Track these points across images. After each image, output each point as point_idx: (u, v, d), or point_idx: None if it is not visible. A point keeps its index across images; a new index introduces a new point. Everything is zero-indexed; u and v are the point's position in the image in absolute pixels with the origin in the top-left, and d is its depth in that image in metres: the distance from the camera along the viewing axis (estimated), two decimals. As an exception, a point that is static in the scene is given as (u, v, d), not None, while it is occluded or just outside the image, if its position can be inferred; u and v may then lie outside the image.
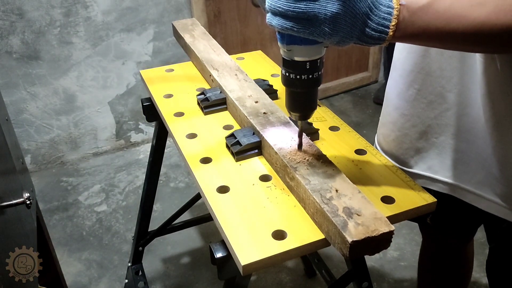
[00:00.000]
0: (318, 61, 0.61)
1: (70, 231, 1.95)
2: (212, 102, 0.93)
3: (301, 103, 0.66)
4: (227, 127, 0.90)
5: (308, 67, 0.61)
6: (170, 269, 1.75)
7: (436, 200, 0.70)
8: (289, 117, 0.78)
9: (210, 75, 1.02)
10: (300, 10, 0.51)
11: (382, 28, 0.53)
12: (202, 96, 0.95)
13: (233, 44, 2.40)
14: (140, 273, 1.51)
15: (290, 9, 0.51)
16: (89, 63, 2.20)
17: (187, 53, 1.17)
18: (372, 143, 0.86)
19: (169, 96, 1.02)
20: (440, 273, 1.18)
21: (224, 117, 0.93)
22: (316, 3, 0.50)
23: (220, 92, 0.95)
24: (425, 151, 0.82)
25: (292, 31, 0.53)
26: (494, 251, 0.98)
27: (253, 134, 0.80)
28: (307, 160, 0.71)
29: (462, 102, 0.73)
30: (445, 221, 1.00)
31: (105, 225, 1.97)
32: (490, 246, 0.99)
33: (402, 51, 0.78)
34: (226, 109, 0.95)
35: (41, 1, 1.98)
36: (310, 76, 0.62)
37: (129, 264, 1.54)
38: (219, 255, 0.66)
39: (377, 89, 2.93)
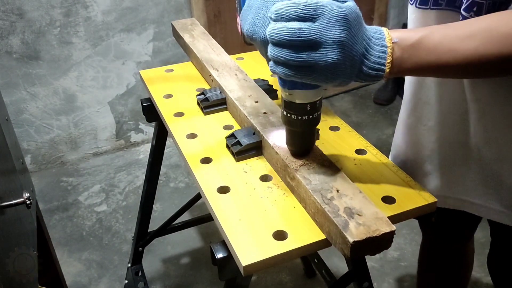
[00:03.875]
0: (317, 102, 0.65)
1: (70, 231, 1.95)
2: (212, 102, 0.93)
3: (301, 141, 0.70)
4: (227, 127, 0.90)
5: (308, 109, 0.64)
6: (170, 269, 1.75)
7: (436, 200, 0.70)
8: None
9: (210, 75, 1.01)
10: (302, 59, 0.52)
11: (379, 66, 0.55)
12: (202, 96, 0.95)
13: (233, 44, 2.40)
14: (140, 273, 1.51)
15: (293, 59, 0.52)
16: (89, 63, 2.20)
17: (187, 53, 1.17)
18: (372, 143, 0.86)
19: (169, 96, 1.02)
20: (441, 272, 1.18)
21: (224, 117, 0.93)
22: (317, 52, 0.52)
23: (220, 92, 0.95)
24: (431, 173, 0.84)
25: (295, 78, 0.55)
26: (496, 244, 0.99)
27: (254, 134, 0.80)
28: (308, 160, 0.70)
29: (464, 124, 0.75)
30: (446, 221, 1.01)
31: (105, 225, 1.97)
32: (492, 239, 0.99)
33: (405, 81, 0.83)
34: (226, 109, 0.95)
35: (41, 1, 1.98)
36: (310, 117, 0.65)
37: (129, 265, 1.54)
38: (219, 255, 0.65)
39: (377, 89, 2.93)
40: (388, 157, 0.80)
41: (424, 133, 0.82)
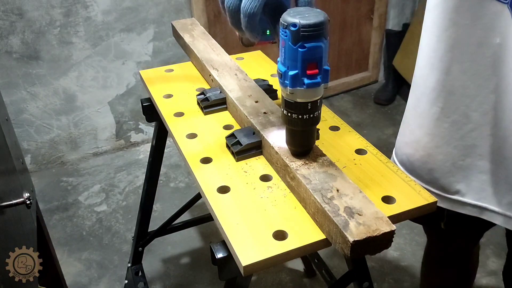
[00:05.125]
0: (318, 101, 0.65)
1: (70, 231, 1.95)
2: (212, 102, 0.93)
3: (301, 140, 0.70)
4: (227, 127, 0.89)
5: (309, 108, 0.64)
6: (170, 269, 1.75)
7: (436, 200, 0.70)
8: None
9: (210, 75, 1.01)
10: None
11: None
12: (202, 96, 0.95)
13: (233, 44, 2.40)
14: (140, 273, 1.51)
15: None
16: (89, 63, 2.20)
17: (187, 53, 1.17)
18: (372, 143, 0.85)
19: (169, 96, 1.02)
20: (446, 276, 1.16)
21: (224, 117, 0.93)
22: None
23: (220, 92, 0.95)
24: (452, 174, 0.80)
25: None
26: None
27: (253, 134, 0.80)
28: (308, 160, 0.71)
29: (488, 122, 0.72)
30: (457, 226, 0.97)
31: (105, 225, 1.97)
32: (509, 249, 0.96)
33: (424, 68, 0.76)
34: (226, 109, 0.95)
35: (41, 1, 1.98)
36: (311, 116, 0.65)
37: (129, 265, 1.54)
38: (220, 255, 0.65)
39: (377, 89, 2.93)
40: (388, 157, 0.80)
41: (447, 126, 0.77)
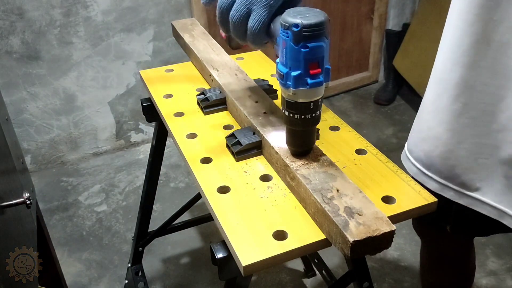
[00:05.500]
0: (320, 101, 0.65)
1: (70, 231, 1.95)
2: (212, 102, 0.93)
3: (301, 140, 0.70)
4: (227, 127, 0.89)
5: (311, 107, 0.64)
6: (170, 269, 1.75)
7: (436, 200, 0.70)
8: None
9: (210, 75, 1.01)
10: None
11: None
12: (202, 96, 0.95)
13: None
14: (140, 273, 1.51)
15: None
16: (89, 63, 2.20)
17: (187, 53, 1.17)
18: (372, 143, 0.85)
19: (169, 96, 1.02)
20: (444, 277, 1.15)
21: (224, 117, 0.93)
22: None
23: (220, 92, 0.95)
24: (474, 171, 0.77)
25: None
26: None
27: (253, 134, 0.80)
28: (308, 160, 0.71)
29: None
30: (464, 230, 0.95)
31: (105, 225, 1.97)
32: None
33: (446, 63, 0.74)
34: (226, 109, 0.95)
35: (41, 1, 1.98)
36: (313, 115, 0.66)
37: (129, 265, 1.54)
38: (220, 255, 0.65)
39: (377, 89, 2.93)
40: (388, 157, 0.80)
41: (469, 122, 0.74)
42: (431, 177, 0.82)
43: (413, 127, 0.87)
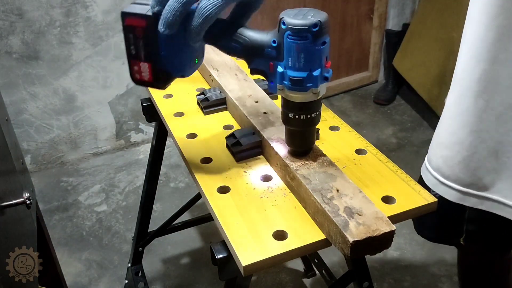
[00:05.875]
0: (316, 101, 0.65)
1: (70, 231, 1.95)
2: (212, 102, 0.93)
3: (300, 140, 0.70)
4: (227, 127, 0.89)
5: (307, 108, 0.64)
6: (170, 269, 1.75)
7: (437, 200, 0.70)
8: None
9: (210, 75, 1.01)
10: None
11: None
12: (202, 96, 0.95)
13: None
14: (140, 273, 1.51)
15: None
16: (89, 63, 2.20)
17: (187, 53, 1.17)
18: (372, 143, 0.85)
19: (169, 96, 1.02)
20: (480, 282, 1.13)
21: (224, 117, 0.93)
22: None
23: (220, 92, 0.95)
24: (495, 172, 0.75)
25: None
26: None
27: (253, 134, 0.80)
28: (308, 160, 0.71)
29: None
30: (478, 242, 0.93)
31: (105, 225, 1.97)
32: None
33: (469, 61, 0.73)
34: (226, 109, 0.95)
35: (41, 1, 1.98)
36: (309, 116, 0.65)
37: (129, 265, 1.54)
38: (220, 255, 0.65)
39: (377, 89, 2.93)
40: (388, 157, 0.80)
41: (493, 119, 0.72)
42: (450, 187, 0.80)
43: (433, 136, 0.85)
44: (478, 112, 0.74)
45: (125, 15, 0.63)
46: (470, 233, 0.85)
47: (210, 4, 0.59)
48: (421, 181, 0.85)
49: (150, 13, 0.61)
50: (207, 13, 0.59)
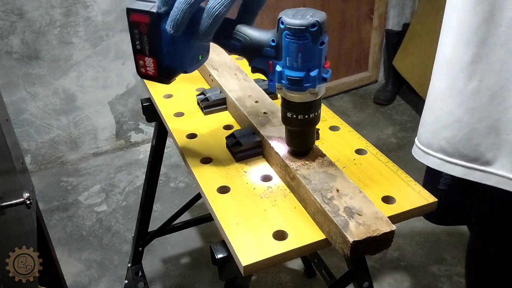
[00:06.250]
0: (316, 102, 0.65)
1: (70, 231, 1.95)
2: (212, 102, 0.93)
3: (300, 140, 0.70)
4: (227, 127, 0.89)
5: (307, 108, 0.64)
6: (170, 269, 1.75)
7: (436, 200, 0.70)
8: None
9: (209, 75, 1.02)
10: None
11: None
12: (202, 96, 0.95)
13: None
14: (140, 273, 1.51)
15: None
16: (89, 63, 2.20)
17: (187, 53, 1.17)
18: (372, 143, 0.85)
19: (169, 96, 1.02)
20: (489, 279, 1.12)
21: (224, 117, 0.93)
22: None
23: (220, 92, 0.95)
24: (497, 148, 0.76)
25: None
26: None
27: (253, 134, 0.80)
28: (308, 160, 0.71)
29: None
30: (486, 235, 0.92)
31: (105, 225, 1.97)
32: None
33: (458, 46, 0.74)
34: (226, 109, 0.95)
35: (41, 1, 1.98)
36: (307, 116, 0.65)
37: (129, 265, 1.54)
38: (220, 255, 0.65)
39: (376, 89, 2.93)
40: (388, 157, 0.80)
41: (487, 99, 0.74)
42: (456, 163, 0.81)
43: (424, 122, 0.86)
44: (472, 92, 0.75)
45: (130, 11, 0.64)
46: (480, 214, 0.85)
47: (218, 4, 0.59)
48: (425, 177, 0.85)
49: (154, 10, 0.62)
50: (216, 12, 0.59)
